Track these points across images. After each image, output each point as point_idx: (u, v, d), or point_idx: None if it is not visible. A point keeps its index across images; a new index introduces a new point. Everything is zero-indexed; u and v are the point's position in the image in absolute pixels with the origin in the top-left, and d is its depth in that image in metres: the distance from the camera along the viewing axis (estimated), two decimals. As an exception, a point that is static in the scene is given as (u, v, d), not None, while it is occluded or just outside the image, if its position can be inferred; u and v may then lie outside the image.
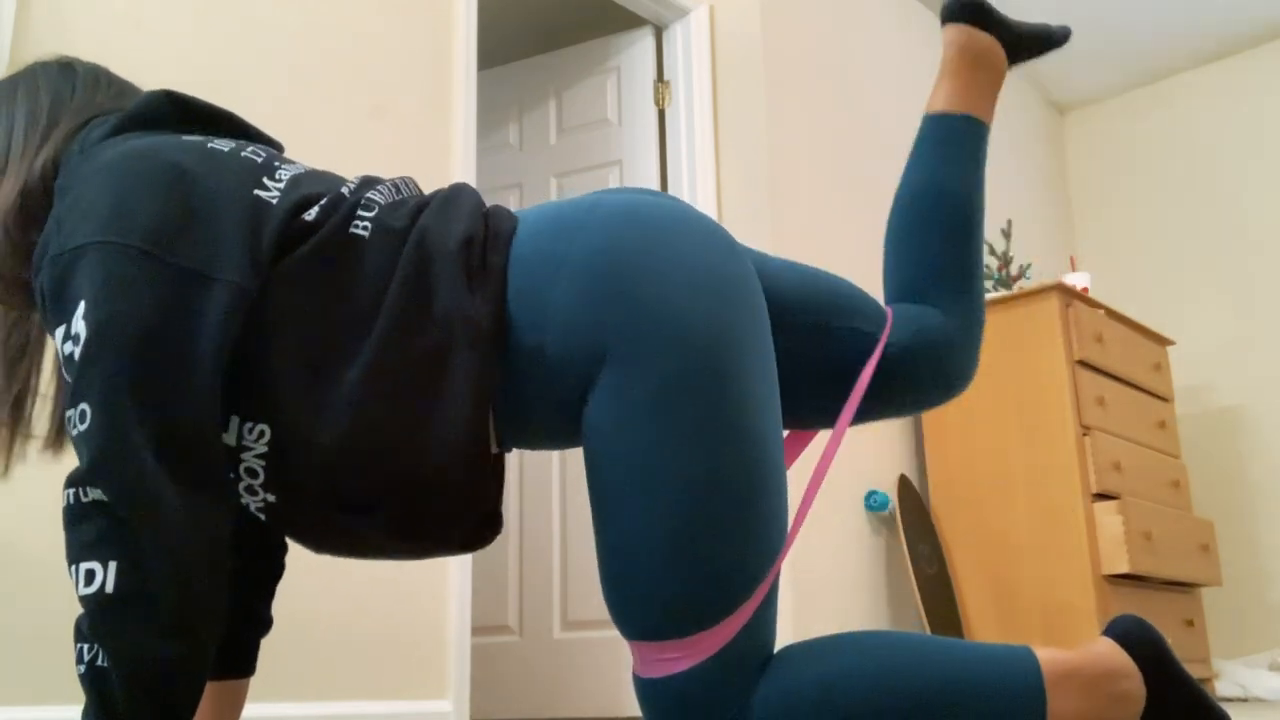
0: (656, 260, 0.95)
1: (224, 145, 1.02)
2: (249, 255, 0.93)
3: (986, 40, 1.34)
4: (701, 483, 0.91)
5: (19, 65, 1.84)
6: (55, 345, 0.92)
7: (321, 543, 1.01)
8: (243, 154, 1.01)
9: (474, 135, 2.62)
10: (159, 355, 0.88)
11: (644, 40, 3.51)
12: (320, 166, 2.25)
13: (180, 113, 1.08)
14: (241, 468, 0.96)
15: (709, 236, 1.00)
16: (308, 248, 0.96)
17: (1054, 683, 0.93)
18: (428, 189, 2.46)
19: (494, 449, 1.00)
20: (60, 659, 1.73)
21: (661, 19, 3.46)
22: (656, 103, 3.45)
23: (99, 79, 1.13)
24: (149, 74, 2.04)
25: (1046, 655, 0.95)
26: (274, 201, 0.97)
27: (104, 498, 0.86)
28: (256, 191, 0.97)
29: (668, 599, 0.91)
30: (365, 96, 2.41)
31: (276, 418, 0.94)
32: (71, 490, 0.87)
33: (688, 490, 0.91)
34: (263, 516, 0.99)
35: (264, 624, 1.18)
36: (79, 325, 0.89)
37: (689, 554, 0.90)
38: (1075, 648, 0.99)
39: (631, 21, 3.82)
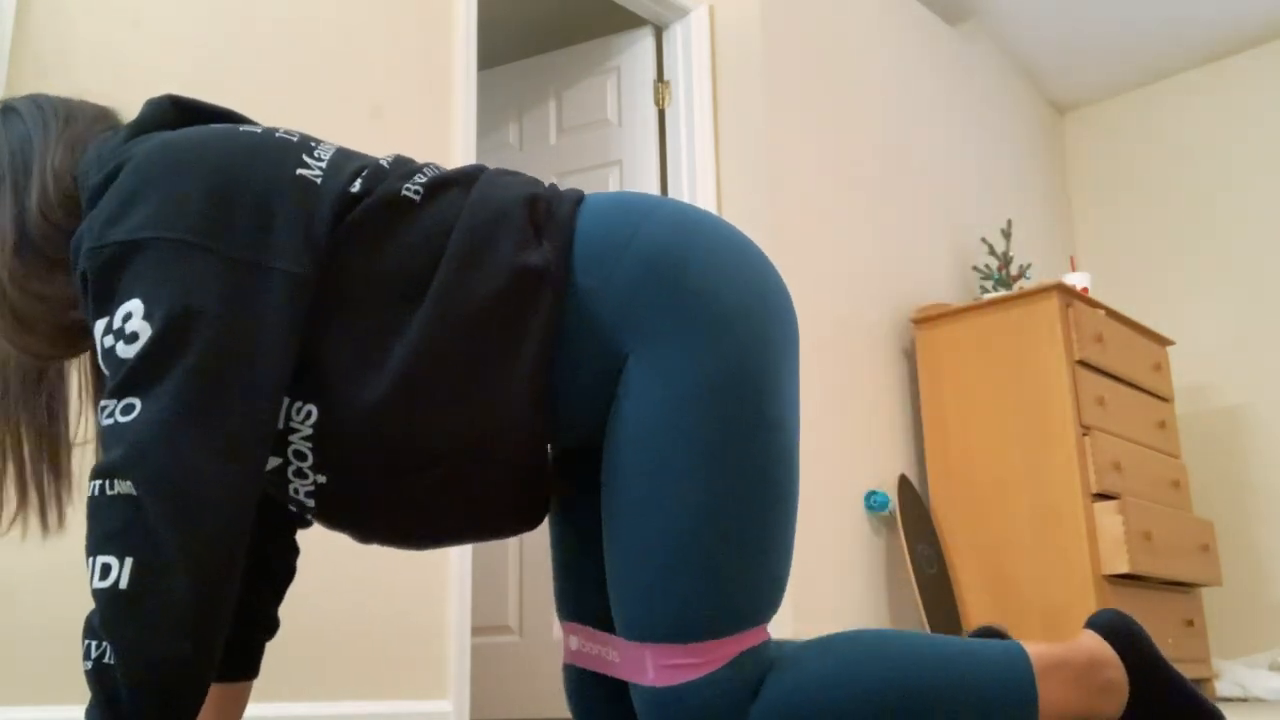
0: (715, 265, 0.97)
1: (254, 129, 1.00)
2: (304, 239, 0.93)
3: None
4: (739, 483, 0.92)
5: (19, 65, 1.85)
6: (95, 338, 0.91)
7: (371, 525, 0.99)
8: (276, 135, 1.00)
9: (474, 135, 2.62)
10: (220, 354, 0.88)
11: (644, 40, 3.51)
12: (320, 166, 2.25)
13: (187, 116, 1.07)
14: (289, 450, 0.94)
15: (765, 263, 1.03)
16: (357, 215, 0.95)
17: (1044, 674, 0.95)
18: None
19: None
20: (62, 659, 1.73)
21: (661, 19, 3.46)
22: (656, 103, 3.44)
23: (43, 109, 1.09)
24: (149, 74, 2.04)
25: (1035, 649, 0.97)
26: (319, 180, 0.96)
27: (132, 491, 0.85)
28: (300, 171, 0.96)
29: (700, 602, 0.90)
30: (365, 96, 2.41)
31: (324, 394, 0.93)
32: (98, 482, 0.86)
33: (727, 488, 0.91)
34: (311, 502, 0.97)
35: (271, 627, 1.17)
36: (135, 323, 0.88)
37: (726, 555, 0.90)
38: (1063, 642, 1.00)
39: (631, 21, 3.82)
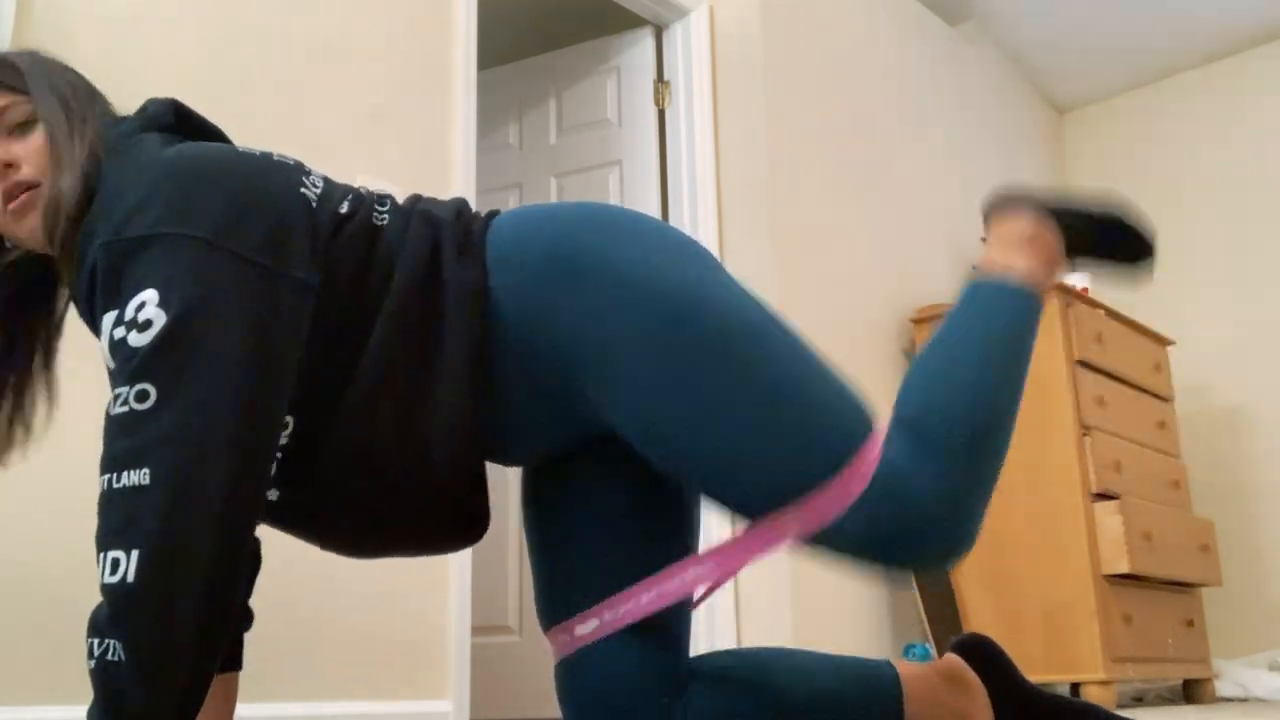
0: (607, 234, 1.04)
1: (254, 150, 1.05)
2: (311, 249, 0.97)
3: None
4: (749, 355, 0.99)
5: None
6: (103, 330, 0.92)
7: (322, 535, 1.04)
8: (275, 157, 1.05)
9: (474, 135, 2.62)
10: (236, 347, 0.90)
11: (644, 40, 3.51)
12: (321, 167, 2.25)
13: (184, 124, 1.10)
14: None
15: (662, 224, 1.11)
16: (345, 233, 1.01)
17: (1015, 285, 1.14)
18: (428, 189, 2.47)
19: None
20: (62, 659, 1.73)
21: (661, 19, 3.46)
22: (656, 103, 3.44)
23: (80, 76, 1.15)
24: (149, 73, 2.04)
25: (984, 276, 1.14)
26: (315, 200, 1.02)
27: (142, 481, 0.85)
28: (302, 190, 1.01)
29: (815, 440, 0.98)
30: (365, 96, 2.41)
31: (303, 407, 0.97)
32: (107, 475, 0.87)
33: (746, 362, 0.98)
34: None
35: (248, 617, 1.19)
36: (149, 311, 0.89)
37: (801, 395, 0.99)
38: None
39: (631, 21, 3.82)
